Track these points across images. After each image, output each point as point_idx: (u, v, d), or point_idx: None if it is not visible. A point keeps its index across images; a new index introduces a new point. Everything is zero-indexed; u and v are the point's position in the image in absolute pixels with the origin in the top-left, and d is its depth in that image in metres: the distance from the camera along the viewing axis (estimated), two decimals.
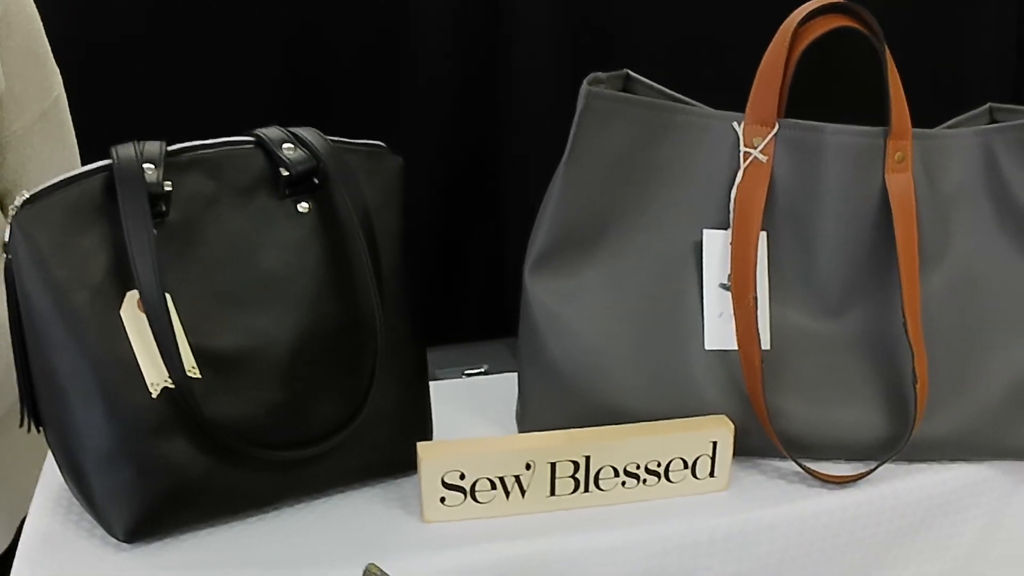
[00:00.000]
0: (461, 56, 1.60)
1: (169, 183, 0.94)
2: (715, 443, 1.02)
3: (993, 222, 1.09)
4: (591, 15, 1.59)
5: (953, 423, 1.08)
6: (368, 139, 1.04)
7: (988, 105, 1.13)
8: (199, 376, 0.94)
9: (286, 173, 0.98)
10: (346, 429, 0.99)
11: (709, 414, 1.04)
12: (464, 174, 1.67)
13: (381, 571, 0.88)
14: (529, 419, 1.08)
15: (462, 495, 0.99)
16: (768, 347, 1.05)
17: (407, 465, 1.01)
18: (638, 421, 1.03)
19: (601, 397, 1.04)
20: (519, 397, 1.09)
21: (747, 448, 1.06)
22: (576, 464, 1.00)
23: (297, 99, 1.58)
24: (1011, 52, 1.68)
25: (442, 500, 0.99)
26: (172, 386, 0.93)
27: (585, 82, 1.03)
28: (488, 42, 1.59)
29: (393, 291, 1.02)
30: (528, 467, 0.99)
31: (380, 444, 1.03)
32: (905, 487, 1.07)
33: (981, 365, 1.08)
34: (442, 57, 1.59)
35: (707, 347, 1.05)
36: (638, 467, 1.01)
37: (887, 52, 1.04)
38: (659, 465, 1.02)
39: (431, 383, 1.08)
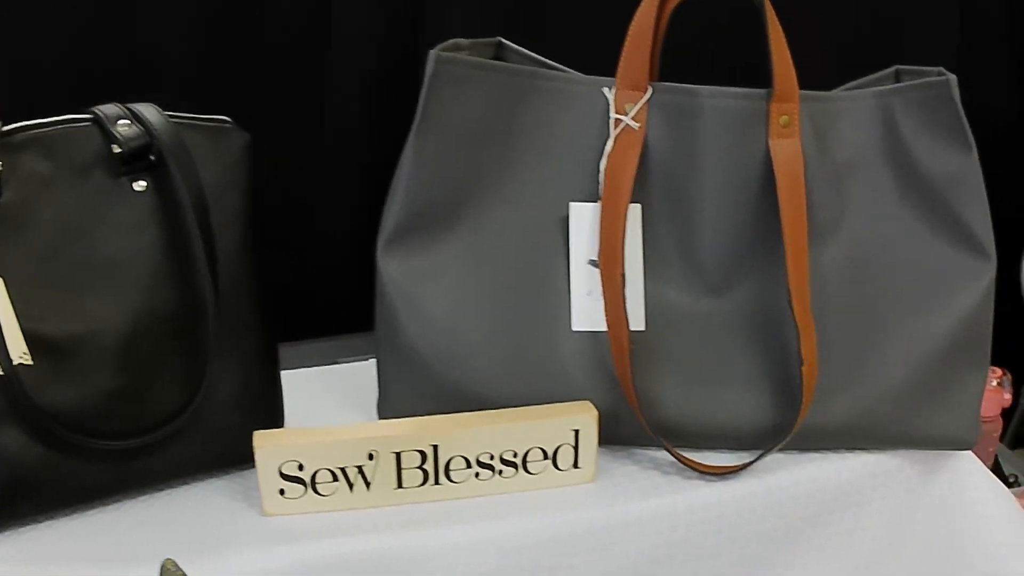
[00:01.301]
0: (382, 58, 1.53)
1: (0, 164, 0.89)
2: (577, 431, 0.95)
3: (894, 191, 1.01)
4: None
5: (849, 409, 0.99)
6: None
7: (894, 68, 1.05)
8: (31, 363, 0.90)
9: (118, 150, 0.93)
10: (180, 417, 0.94)
11: (578, 400, 0.97)
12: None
13: (177, 567, 0.82)
14: (388, 407, 1.01)
15: (302, 487, 0.93)
16: (643, 328, 0.98)
17: (253, 456, 0.96)
18: (501, 408, 0.96)
19: (461, 383, 0.97)
20: (378, 384, 1.02)
21: (619, 437, 0.98)
22: (423, 454, 0.93)
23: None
24: (955, 17, 1.58)
25: (281, 492, 0.93)
26: (1, 373, 0.88)
27: (437, 48, 0.96)
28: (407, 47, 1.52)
29: (235, 274, 0.96)
30: (371, 457, 0.92)
31: (224, 434, 0.97)
32: (795, 479, 0.99)
33: (880, 346, 1.00)
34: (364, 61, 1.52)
35: (574, 328, 0.98)
36: (492, 458, 0.94)
37: (767, 7, 0.96)
38: (515, 455, 0.94)
39: (294, 371, 1.02)
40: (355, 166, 1.45)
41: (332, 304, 1.45)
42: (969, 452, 1.06)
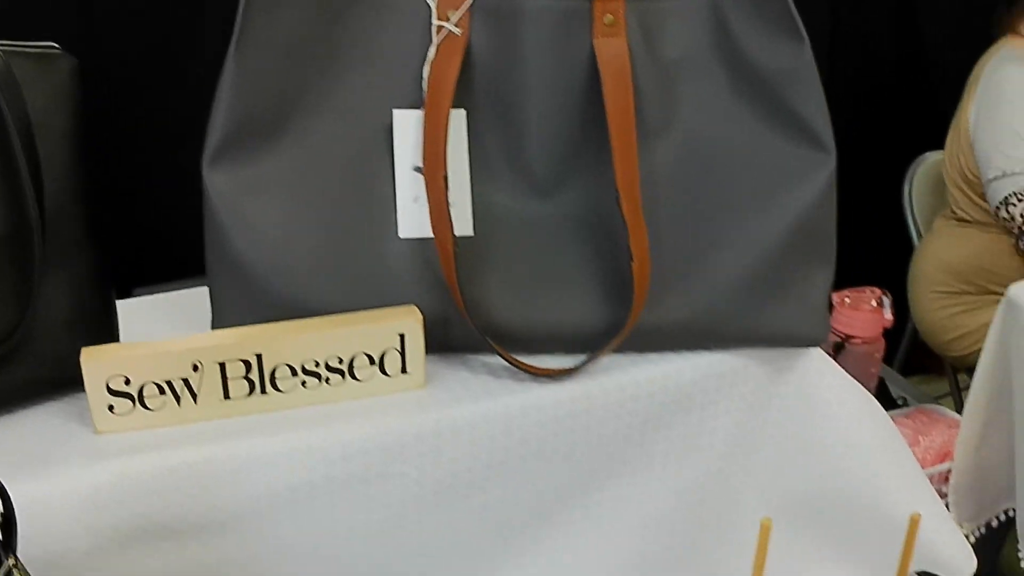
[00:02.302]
0: None
1: None
2: (403, 335, 0.94)
3: (727, 88, 1.00)
4: None
5: (687, 307, 0.98)
6: None
7: None
8: None
9: None
10: (11, 339, 0.94)
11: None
12: None
13: None
14: (220, 323, 1.00)
15: (130, 402, 0.92)
16: (471, 233, 0.97)
17: None
18: None
19: (291, 295, 0.97)
20: (210, 300, 1.02)
21: (450, 343, 0.98)
22: (248, 364, 0.93)
23: None
24: None
25: (111, 408, 0.93)
26: None
27: None
28: None
29: (64, 195, 0.96)
30: (196, 368, 0.92)
31: (56, 357, 0.97)
32: (634, 380, 0.98)
33: (717, 243, 0.99)
34: None
35: (401, 235, 0.97)
36: (318, 365, 0.94)
37: None
38: (341, 362, 0.94)
39: (131, 300, 1.02)
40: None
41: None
42: (819, 350, 1.05)
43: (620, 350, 0.98)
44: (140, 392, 0.92)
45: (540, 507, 1.00)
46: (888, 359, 2.11)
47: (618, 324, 0.97)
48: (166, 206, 1.44)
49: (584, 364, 0.96)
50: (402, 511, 0.95)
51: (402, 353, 0.95)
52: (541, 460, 0.97)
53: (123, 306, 1.03)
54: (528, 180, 0.98)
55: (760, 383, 1.02)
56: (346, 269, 0.97)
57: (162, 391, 0.92)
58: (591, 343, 0.97)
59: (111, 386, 0.92)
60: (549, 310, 0.98)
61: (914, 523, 0.93)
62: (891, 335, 1.78)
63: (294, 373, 0.94)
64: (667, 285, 0.97)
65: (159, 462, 0.90)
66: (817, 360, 1.04)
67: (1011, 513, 1.62)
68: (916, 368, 2.44)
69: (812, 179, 0.99)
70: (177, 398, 0.93)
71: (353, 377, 0.95)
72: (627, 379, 0.97)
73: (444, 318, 0.96)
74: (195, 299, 1.12)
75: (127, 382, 0.92)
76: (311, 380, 0.94)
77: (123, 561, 0.91)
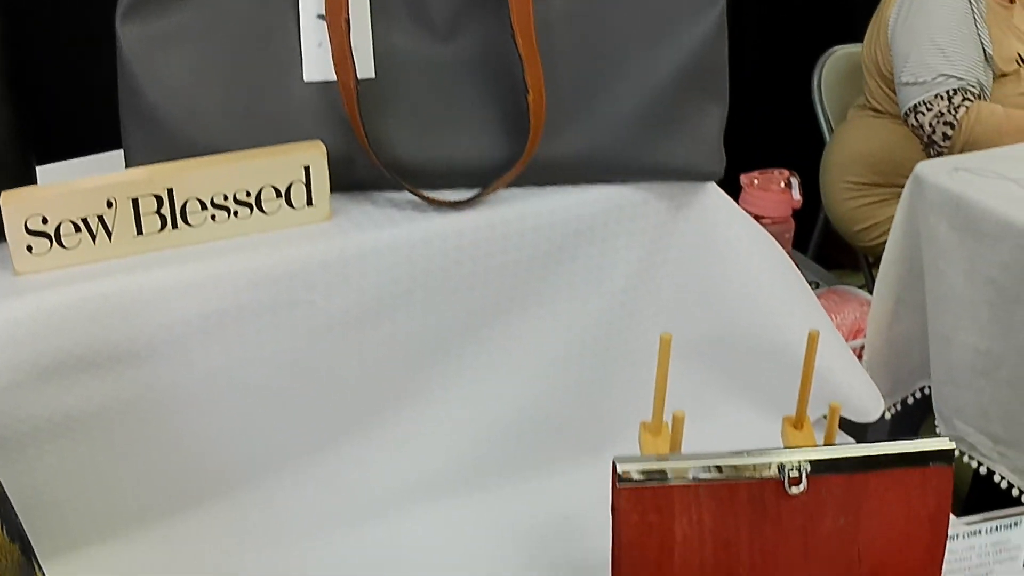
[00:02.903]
0: None
1: None
2: (307, 168, 0.98)
3: None
4: None
5: (583, 140, 1.02)
6: None
7: None
8: None
9: None
10: None
11: None
12: None
13: None
14: None
15: (48, 241, 0.96)
16: (373, 75, 1.01)
17: None
18: None
19: (201, 141, 1.00)
20: (123, 152, 1.05)
21: (355, 181, 1.01)
22: (159, 199, 0.96)
23: None
24: None
25: (29, 249, 0.96)
26: None
27: None
28: None
29: None
30: (110, 205, 0.96)
31: None
32: (534, 210, 1.02)
33: (610, 78, 1.03)
34: None
35: (306, 79, 1.01)
36: (226, 199, 0.97)
37: None
38: (249, 195, 0.98)
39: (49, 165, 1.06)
40: None
41: None
42: (716, 187, 1.09)
43: (521, 183, 1.02)
44: (57, 231, 0.96)
45: (449, 338, 1.03)
46: (802, 248, 2.16)
47: (517, 157, 1.01)
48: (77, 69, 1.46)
49: (484, 193, 1.00)
50: (311, 340, 0.99)
51: (307, 186, 0.98)
52: (447, 290, 1.01)
53: (40, 171, 1.06)
54: (427, 24, 1.02)
55: (660, 218, 1.06)
56: (254, 114, 1.01)
57: (78, 229, 0.96)
58: (492, 176, 1.01)
59: (29, 226, 0.95)
60: (450, 146, 1.01)
61: (812, 339, 0.97)
62: (804, 224, 1.82)
63: (204, 207, 0.97)
64: (563, 119, 1.01)
65: (75, 295, 0.93)
66: (715, 196, 1.08)
67: (927, 391, 1.66)
68: (832, 263, 2.48)
69: (703, 17, 1.03)
70: (93, 236, 0.96)
71: (261, 210, 0.98)
72: (528, 209, 1.01)
73: (349, 157, 1.00)
74: (109, 162, 1.16)
75: (44, 221, 0.95)
76: (220, 214, 0.98)
77: (43, 396, 0.94)
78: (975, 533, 0.99)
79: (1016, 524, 1.00)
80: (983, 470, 1.61)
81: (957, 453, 1.61)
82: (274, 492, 1.03)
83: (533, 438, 1.08)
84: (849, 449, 0.89)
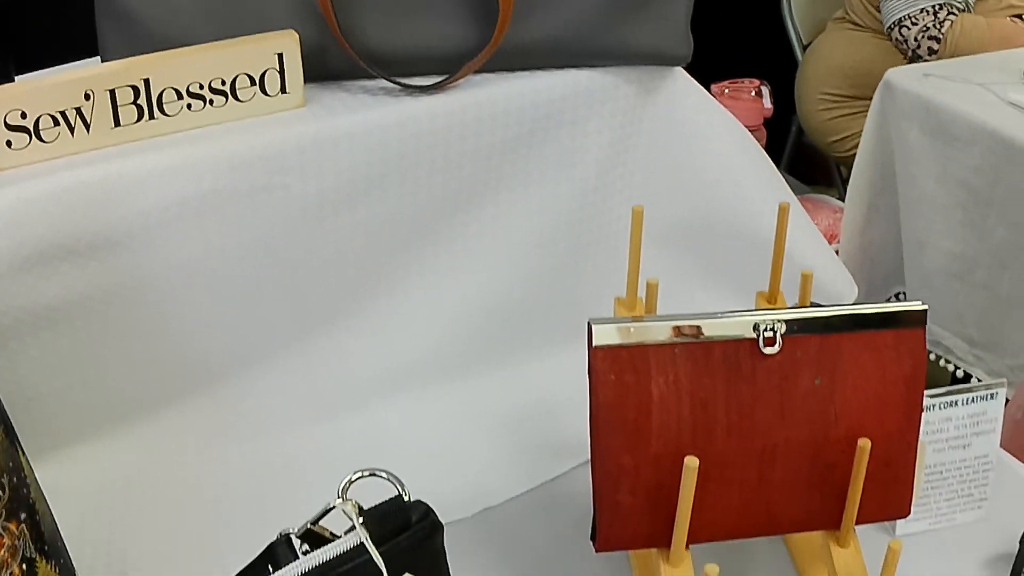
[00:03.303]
0: None
1: None
2: (281, 55, 0.99)
3: None
4: None
5: (551, 24, 1.04)
6: None
7: None
8: None
9: None
10: None
11: None
12: None
13: None
14: None
15: (27, 136, 0.97)
16: None
17: None
18: None
19: (175, 38, 1.00)
20: (99, 53, 1.07)
21: (328, 70, 1.03)
22: (136, 90, 0.98)
23: None
24: None
25: (9, 144, 0.97)
26: None
27: None
28: None
29: None
30: (87, 97, 0.97)
31: None
32: (505, 94, 1.03)
33: None
34: None
35: None
36: (202, 87, 0.99)
37: None
38: (224, 84, 0.99)
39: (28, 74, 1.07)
40: None
41: None
42: (683, 72, 1.11)
43: (491, 69, 1.03)
44: (36, 125, 0.97)
45: (424, 223, 1.05)
46: (775, 160, 2.17)
47: (487, 42, 1.02)
48: None
49: (455, 77, 1.02)
50: (288, 225, 1.00)
51: (281, 73, 1.00)
52: (421, 174, 1.02)
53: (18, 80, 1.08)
54: None
55: (630, 103, 1.08)
56: (228, 8, 1.02)
57: (56, 122, 0.97)
58: (463, 62, 1.03)
59: (8, 121, 0.96)
60: (422, 33, 1.03)
61: (783, 211, 0.99)
62: (776, 139, 1.83)
63: (180, 96, 0.99)
64: (531, 3, 1.03)
65: (55, 184, 0.95)
66: (684, 82, 1.10)
67: (902, 296, 1.68)
68: (806, 179, 2.50)
69: None
70: (71, 129, 0.98)
71: (236, 98, 1.00)
72: (499, 92, 1.03)
73: (321, 46, 1.01)
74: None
75: (23, 116, 0.97)
76: (196, 103, 0.99)
77: (24, 286, 0.95)
78: (952, 404, 1.00)
79: (994, 396, 1.01)
80: (960, 373, 1.64)
81: (933, 357, 1.64)
82: (254, 382, 1.05)
83: (509, 322, 1.10)
84: (822, 310, 0.90)
